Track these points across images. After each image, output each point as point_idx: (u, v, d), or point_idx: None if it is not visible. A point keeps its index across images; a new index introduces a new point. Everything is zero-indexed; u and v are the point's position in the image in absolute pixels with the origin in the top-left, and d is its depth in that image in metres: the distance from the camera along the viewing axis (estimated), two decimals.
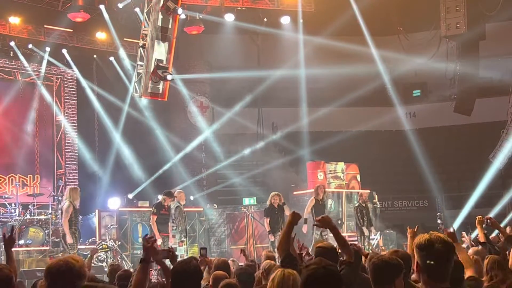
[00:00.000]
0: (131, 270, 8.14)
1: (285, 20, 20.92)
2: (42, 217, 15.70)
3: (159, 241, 13.42)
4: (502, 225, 11.83)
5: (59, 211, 12.95)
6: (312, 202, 15.30)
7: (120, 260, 14.63)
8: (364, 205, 16.21)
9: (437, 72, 23.65)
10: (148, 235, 4.58)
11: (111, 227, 15.83)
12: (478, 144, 24.20)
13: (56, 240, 15.15)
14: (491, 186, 20.97)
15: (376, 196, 19.17)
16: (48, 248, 14.07)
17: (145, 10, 15.23)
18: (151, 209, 14.66)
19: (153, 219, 13.97)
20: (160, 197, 17.56)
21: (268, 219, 14.59)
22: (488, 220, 7.05)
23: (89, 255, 9.67)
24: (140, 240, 16.35)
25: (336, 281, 3.05)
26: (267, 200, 15.18)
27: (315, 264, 3.10)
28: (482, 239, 7.72)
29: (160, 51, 14.97)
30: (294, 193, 18.24)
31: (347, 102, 23.18)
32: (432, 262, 3.26)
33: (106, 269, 10.48)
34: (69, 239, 12.48)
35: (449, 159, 24.56)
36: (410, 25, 24.12)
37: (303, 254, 6.53)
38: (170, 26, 14.80)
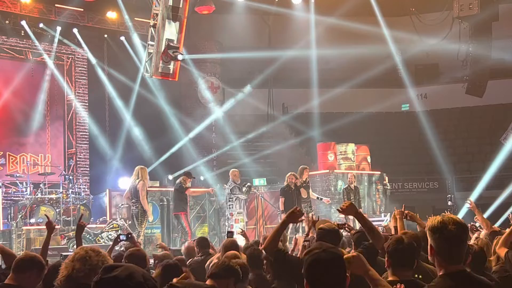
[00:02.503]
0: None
1: (297, 0, 20.79)
2: (53, 196, 15.76)
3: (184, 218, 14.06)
4: None
5: (130, 190, 13.20)
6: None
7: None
8: (352, 187, 15.94)
9: (449, 53, 23.46)
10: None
11: (122, 206, 15.85)
12: (489, 126, 24.07)
13: (67, 219, 15.26)
14: (502, 168, 20.85)
15: (387, 178, 19.12)
16: (59, 227, 14.12)
17: None
18: (170, 188, 15.24)
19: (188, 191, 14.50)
20: (170, 176, 17.68)
21: (283, 199, 14.53)
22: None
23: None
24: (151, 219, 16.40)
25: (339, 263, 3.02)
26: (277, 181, 15.18)
27: (316, 249, 3.07)
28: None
29: (171, 31, 14.89)
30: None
31: (358, 83, 23.10)
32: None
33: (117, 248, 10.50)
34: (150, 216, 12.92)
35: (460, 141, 24.46)
36: (423, 6, 23.89)
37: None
38: (181, 6, 14.70)
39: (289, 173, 14.89)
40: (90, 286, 2.61)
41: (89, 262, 3.66)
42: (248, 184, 15.10)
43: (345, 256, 3.22)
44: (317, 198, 15.69)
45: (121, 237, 7.06)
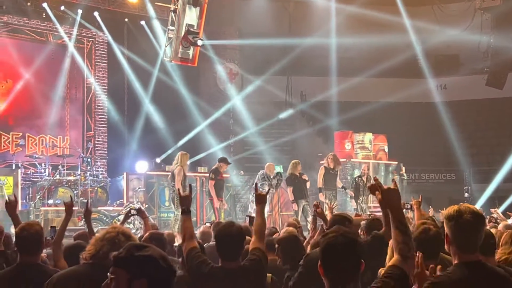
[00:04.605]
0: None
1: None
2: (71, 178, 15.90)
3: (217, 204, 14.16)
4: None
5: (170, 174, 13.45)
6: (322, 170, 15.21)
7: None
8: (363, 178, 15.78)
9: (470, 44, 23.25)
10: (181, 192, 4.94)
11: (139, 190, 15.98)
12: (509, 118, 23.84)
13: (85, 200, 15.38)
14: None
15: (403, 168, 19.06)
16: (76, 208, 14.25)
17: None
18: (208, 174, 14.98)
19: (211, 184, 14.34)
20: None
21: (292, 188, 14.56)
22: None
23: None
24: (167, 203, 16.52)
25: (356, 248, 2.99)
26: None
27: (333, 232, 3.06)
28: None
29: (191, 16, 14.90)
30: (321, 162, 18.18)
31: (377, 73, 22.97)
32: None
33: (133, 231, 10.59)
34: None
35: (479, 133, 24.28)
36: None
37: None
38: None
39: (293, 161, 14.95)
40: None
41: (117, 246, 3.58)
42: (279, 177, 14.93)
43: (384, 187, 3.19)
44: (342, 187, 15.71)
45: (132, 211, 7.19)
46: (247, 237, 6.15)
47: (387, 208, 3.23)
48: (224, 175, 15.24)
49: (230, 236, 4.56)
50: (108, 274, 2.57)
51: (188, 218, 4.78)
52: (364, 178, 15.78)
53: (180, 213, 13.29)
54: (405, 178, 18.86)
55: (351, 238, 3.03)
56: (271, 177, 14.73)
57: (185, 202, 4.84)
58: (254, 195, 14.89)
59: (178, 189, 5.44)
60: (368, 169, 16.49)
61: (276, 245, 5.96)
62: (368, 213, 13.45)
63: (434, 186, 22.14)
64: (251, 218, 7.52)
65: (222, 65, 22.47)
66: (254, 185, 14.63)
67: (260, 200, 4.97)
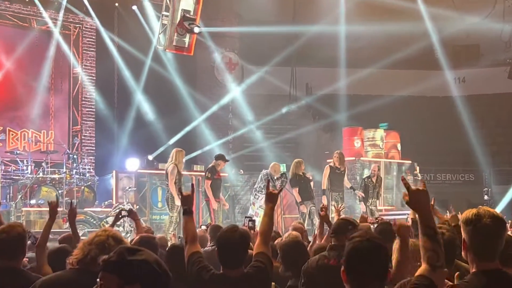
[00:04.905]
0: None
1: None
2: (56, 176, 15.87)
3: (215, 205, 14.17)
4: None
5: (165, 173, 13.54)
6: (327, 170, 15.24)
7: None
8: (373, 179, 15.79)
9: (491, 33, 23.24)
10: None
11: (129, 189, 15.97)
12: None
13: (70, 201, 15.39)
14: None
15: (418, 168, 19.07)
16: (61, 209, 14.24)
17: None
18: (204, 173, 14.97)
19: (207, 183, 14.32)
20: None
21: (297, 189, 14.57)
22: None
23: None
24: (160, 205, 16.54)
25: (382, 255, 3.04)
26: None
27: (359, 237, 3.09)
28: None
29: (187, 1, 14.91)
30: (328, 160, 18.20)
31: (390, 64, 22.98)
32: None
33: (123, 235, 10.62)
34: (177, 201, 12.99)
35: (500, 129, 24.29)
36: None
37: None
38: None
39: (296, 160, 14.96)
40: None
41: (107, 251, 3.57)
42: (283, 178, 15.00)
43: (412, 188, 3.18)
44: (350, 188, 15.73)
45: (123, 212, 7.18)
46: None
47: (414, 211, 3.23)
48: (222, 174, 15.24)
49: (233, 242, 4.56)
50: (98, 280, 2.57)
51: (190, 219, 4.79)
52: (374, 179, 15.78)
53: (173, 215, 13.37)
54: (419, 178, 18.87)
55: (378, 243, 3.07)
56: (275, 178, 14.75)
57: (186, 202, 4.85)
58: (255, 196, 14.98)
59: (180, 189, 5.45)
60: (379, 169, 16.49)
61: (278, 251, 5.99)
62: (376, 216, 13.46)
63: (451, 187, 22.16)
64: (251, 221, 7.48)
65: (220, 54, 22.47)
66: (255, 185, 14.73)
67: (271, 199, 4.92)
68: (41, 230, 5.75)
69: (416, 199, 3.17)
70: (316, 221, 13.88)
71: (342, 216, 7.54)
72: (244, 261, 4.61)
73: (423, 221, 3.14)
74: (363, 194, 15.68)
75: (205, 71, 22.59)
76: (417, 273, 3.10)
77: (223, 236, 4.66)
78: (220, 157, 14.75)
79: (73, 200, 14.22)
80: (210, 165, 14.76)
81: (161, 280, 2.58)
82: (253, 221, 7.64)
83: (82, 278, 3.70)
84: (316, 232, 7.95)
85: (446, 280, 3.25)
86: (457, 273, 3.52)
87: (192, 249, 4.63)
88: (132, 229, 13.51)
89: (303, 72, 24.42)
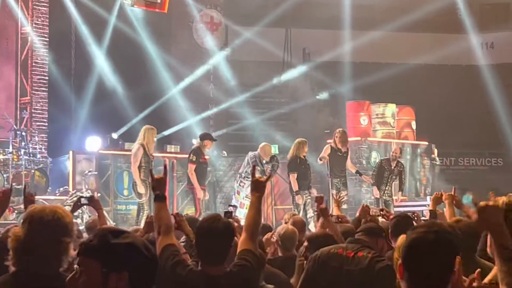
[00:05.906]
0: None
1: None
2: (1, 157, 15.83)
3: (200, 195, 14.23)
4: None
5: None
6: (327, 150, 15.20)
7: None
8: (392, 164, 15.71)
9: None
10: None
11: (89, 174, 15.97)
12: None
13: (18, 186, 15.30)
14: None
15: (436, 151, 19.13)
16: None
17: None
18: (188, 156, 14.91)
19: (192, 168, 14.33)
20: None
21: (295, 175, 14.49)
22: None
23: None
24: (126, 192, 16.51)
25: (448, 250, 3.01)
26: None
27: (425, 227, 3.07)
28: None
29: None
30: (328, 141, 18.21)
31: (403, 26, 23.00)
32: None
33: (81, 227, 10.60)
34: (140, 188, 13.16)
35: None
36: None
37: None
38: None
39: (299, 140, 14.92)
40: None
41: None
42: (274, 161, 15.00)
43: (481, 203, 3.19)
44: (356, 172, 15.74)
45: (82, 200, 7.01)
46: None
47: (485, 230, 3.26)
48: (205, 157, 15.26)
49: (215, 233, 4.59)
50: (76, 266, 2.58)
51: (163, 205, 4.84)
52: (393, 164, 15.70)
53: (143, 203, 13.36)
54: (437, 163, 18.95)
55: (445, 237, 3.04)
56: (264, 161, 14.73)
57: (158, 186, 4.89)
58: (239, 183, 14.99)
59: (150, 171, 5.43)
60: (401, 152, 16.29)
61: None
62: (380, 207, 13.43)
63: (475, 174, 22.29)
64: (228, 212, 7.42)
65: (200, 12, 22.37)
66: (240, 170, 14.72)
67: (257, 187, 4.91)
68: None
69: (485, 217, 3.19)
70: (310, 214, 13.93)
71: (344, 207, 7.55)
72: (226, 256, 4.64)
73: (496, 241, 3.17)
74: (371, 180, 15.67)
75: (181, 32, 22.52)
76: None
77: (204, 226, 4.69)
78: (206, 136, 14.72)
79: (27, 184, 14.18)
80: (194, 146, 14.75)
81: (151, 266, 2.60)
82: (234, 206, 7.65)
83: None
84: (316, 229, 7.93)
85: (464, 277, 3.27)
86: (478, 269, 3.51)
87: (166, 241, 4.64)
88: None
89: (300, 35, 24.38)
